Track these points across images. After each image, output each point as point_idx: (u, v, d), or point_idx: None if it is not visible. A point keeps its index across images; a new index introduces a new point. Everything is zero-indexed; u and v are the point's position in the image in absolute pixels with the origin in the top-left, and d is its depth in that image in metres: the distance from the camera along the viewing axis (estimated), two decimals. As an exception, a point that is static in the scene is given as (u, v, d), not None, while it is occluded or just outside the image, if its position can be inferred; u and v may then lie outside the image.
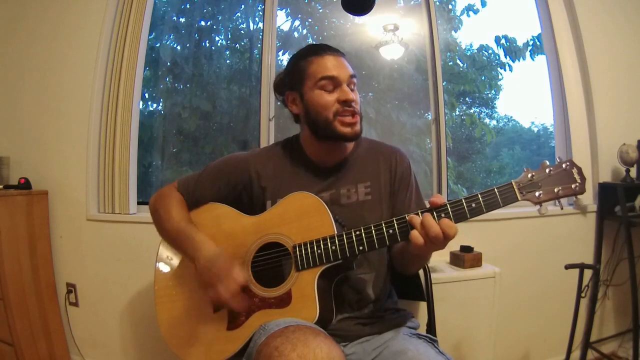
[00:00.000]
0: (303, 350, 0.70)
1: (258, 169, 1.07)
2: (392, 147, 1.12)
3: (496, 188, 0.82)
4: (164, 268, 1.08)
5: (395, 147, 1.13)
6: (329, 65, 0.98)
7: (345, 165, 1.06)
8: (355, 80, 1.01)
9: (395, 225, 0.87)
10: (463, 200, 0.83)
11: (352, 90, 0.99)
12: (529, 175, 0.82)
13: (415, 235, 0.80)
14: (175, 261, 1.07)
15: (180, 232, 1.01)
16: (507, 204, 0.82)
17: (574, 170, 0.81)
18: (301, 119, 1.06)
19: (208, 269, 0.93)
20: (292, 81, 1.04)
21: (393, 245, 1.03)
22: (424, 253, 0.89)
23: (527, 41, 2.90)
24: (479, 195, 0.82)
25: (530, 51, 2.90)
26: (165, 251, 1.09)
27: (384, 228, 0.87)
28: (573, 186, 0.80)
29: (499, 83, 3.18)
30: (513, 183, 0.81)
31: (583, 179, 0.80)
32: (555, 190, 0.80)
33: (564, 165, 0.81)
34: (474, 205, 0.82)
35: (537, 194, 0.81)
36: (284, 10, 2.64)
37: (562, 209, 0.83)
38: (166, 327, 1.02)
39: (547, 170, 0.82)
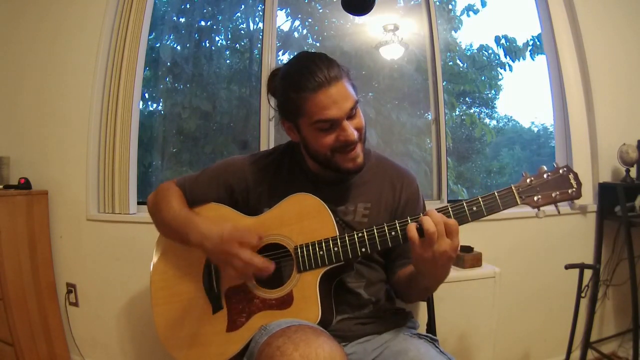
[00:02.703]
0: (305, 350, 0.70)
1: (256, 177, 1.05)
2: (400, 169, 1.08)
3: (496, 192, 0.84)
4: (160, 269, 1.07)
5: (403, 169, 1.09)
6: (325, 103, 0.86)
7: (347, 181, 1.02)
8: (357, 105, 0.91)
9: (398, 227, 0.87)
10: (464, 203, 0.84)
11: (353, 117, 0.91)
12: (528, 180, 0.84)
13: (411, 228, 0.79)
14: (172, 262, 1.06)
15: (181, 219, 0.98)
16: (507, 207, 0.84)
17: (571, 176, 0.83)
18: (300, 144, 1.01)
19: (220, 245, 0.90)
20: (285, 112, 0.96)
21: (398, 272, 1.01)
22: (425, 267, 0.82)
23: (527, 41, 2.90)
24: (480, 199, 0.84)
25: (530, 51, 2.90)
26: (161, 251, 1.08)
27: (387, 230, 0.88)
28: (570, 191, 0.83)
29: (499, 83, 3.18)
30: (513, 187, 0.84)
31: (579, 184, 0.83)
32: (553, 194, 0.83)
33: (561, 171, 0.84)
34: (474, 208, 0.83)
35: (535, 198, 0.83)
36: (284, 11, 2.64)
37: (559, 213, 0.85)
38: (163, 329, 1.02)
39: (545, 176, 0.84)
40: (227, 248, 0.89)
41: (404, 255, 1.02)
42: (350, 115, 0.90)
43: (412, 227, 0.80)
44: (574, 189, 0.83)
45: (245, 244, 0.89)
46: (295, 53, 1.00)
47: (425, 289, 0.97)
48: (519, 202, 0.83)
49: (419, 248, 0.79)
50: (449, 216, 0.83)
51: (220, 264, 0.96)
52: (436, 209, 0.84)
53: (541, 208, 0.84)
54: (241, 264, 0.88)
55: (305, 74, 0.88)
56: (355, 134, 0.90)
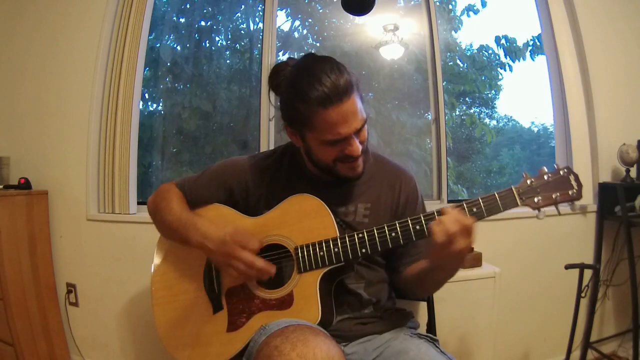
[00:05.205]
0: (303, 350, 0.70)
1: (256, 178, 1.05)
2: (398, 168, 1.08)
3: (497, 193, 0.84)
4: (161, 269, 1.07)
5: (401, 167, 1.09)
6: (336, 120, 0.84)
7: (347, 182, 1.02)
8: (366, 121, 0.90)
9: (398, 227, 0.87)
10: (464, 204, 0.84)
11: (360, 132, 0.89)
12: (528, 181, 0.84)
13: (434, 227, 0.77)
14: (173, 262, 1.06)
15: (182, 220, 0.98)
16: (507, 209, 0.84)
17: (571, 177, 0.83)
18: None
19: (221, 246, 0.91)
20: (290, 119, 0.93)
21: (404, 271, 1.01)
22: (441, 261, 0.83)
23: (527, 41, 2.89)
24: (480, 200, 0.84)
25: (530, 51, 2.90)
26: (162, 252, 1.08)
27: (387, 230, 0.88)
28: (570, 192, 0.83)
29: (499, 83, 3.17)
30: (513, 188, 0.83)
31: (580, 185, 0.83)
32: (553, 196, 0.83)
33: (561, 172, 0.84)
34: (475, 209, 0.84)
35: (536, 199, 0.83)
36: (284, 11, 2.64)
37: (559, 214, 0.85)
38: (164, 329, 1.02)
39: (546, 177, 0.84)
40: (229, 250, 0.90)
41: (407, 254, 1.02)
42: (358, 131, 0.89)
43: (435, 228, 0.77)
44: (574, 190, 0.82)
45: (247, 247, 0.90)
46: (296, 53, 0.99)
47: (435, 284, 0.95)
48: (519, 203, 0.83)
49: (440, 246, 0.78)
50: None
51: (221, 265, 0.96)
52: (437, 211, 0.85)
53: (541, 209, 0.83)
54: (243, 266, 0.89)
55: (314, 85, 0.83)
56: (360, 149, 0.90)
